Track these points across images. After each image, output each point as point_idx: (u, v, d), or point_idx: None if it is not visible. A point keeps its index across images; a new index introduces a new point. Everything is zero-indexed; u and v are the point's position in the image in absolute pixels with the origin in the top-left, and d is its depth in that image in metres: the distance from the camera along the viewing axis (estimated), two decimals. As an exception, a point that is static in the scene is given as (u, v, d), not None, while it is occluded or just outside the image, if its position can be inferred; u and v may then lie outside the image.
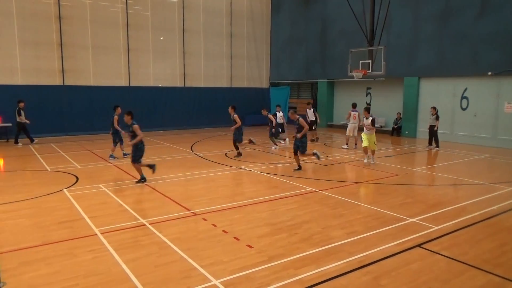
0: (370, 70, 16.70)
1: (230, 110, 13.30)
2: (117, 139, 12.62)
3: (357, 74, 17.08)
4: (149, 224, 6.47)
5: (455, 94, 17.09)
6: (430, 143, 15.50)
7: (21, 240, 5.78)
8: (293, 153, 11.12)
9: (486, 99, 16.01)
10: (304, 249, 5.47)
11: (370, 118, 11.85)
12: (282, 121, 16.35)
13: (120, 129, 12.46)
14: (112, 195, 8.32)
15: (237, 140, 13.22)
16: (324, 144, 16.59)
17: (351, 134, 15.13)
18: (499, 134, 15.73)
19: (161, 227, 6.33)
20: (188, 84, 22.94)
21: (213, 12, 23.51)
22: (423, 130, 17.59)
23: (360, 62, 17.12)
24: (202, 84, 23.51)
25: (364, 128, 11.98)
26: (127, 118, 9.32)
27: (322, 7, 22.87)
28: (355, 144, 15.41)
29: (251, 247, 5.53)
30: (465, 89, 16.73)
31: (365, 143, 11.83)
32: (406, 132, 19.02)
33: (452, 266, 5.00)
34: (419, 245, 5.63)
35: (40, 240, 5.79)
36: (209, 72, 23.73)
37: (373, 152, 11.98)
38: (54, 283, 4.49)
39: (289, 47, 25.44)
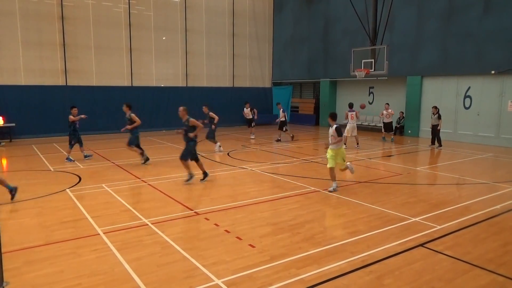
0: (373, 69, 16.67)
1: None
2: (73, 141, 11.99)
3: (360, 74, 17.06)
4: (152, 223, 6.48)
5: (458, 93, 17.01)
6: (432, 143, 15.44)
7: (24, 239, 5.80)
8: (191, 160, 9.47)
9: (489, 98, 15.93)
10: (306, 248, 5.46)
11: (335, 126, 8.55)
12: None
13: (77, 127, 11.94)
14: (115, 195, 8.34)
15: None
16: (324, 144, 16.52)
17: (349, 134, 15.06)
18: (502, 133, 15.65)
19: (164, 226, 6.34)
20: (190, 84, 22.97)
21: (216, 12, 23.54)
22: (425, 129, 17.51)
23: (363, 61, 17.11)
24: (204, 84, 23.54)
25: (330, 140, 8.70)
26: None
27: (325, 6, 22.81)
28: (357, 144, 15.38)
29: (253, 246, 5.54)
30: (468, 88, 16.65)
31: (330, 163, 8.53)
32: (409, 131, 18.96)
33: (455, 266, 4.98)
34: (422, 245, 5.61)
35: (43, 239, 5.82)
36: (211, 71, 23.75)
37: (344, 169, 9.06)
38: (57, 283, 4.50)
39: (291, 46, 25.40)
